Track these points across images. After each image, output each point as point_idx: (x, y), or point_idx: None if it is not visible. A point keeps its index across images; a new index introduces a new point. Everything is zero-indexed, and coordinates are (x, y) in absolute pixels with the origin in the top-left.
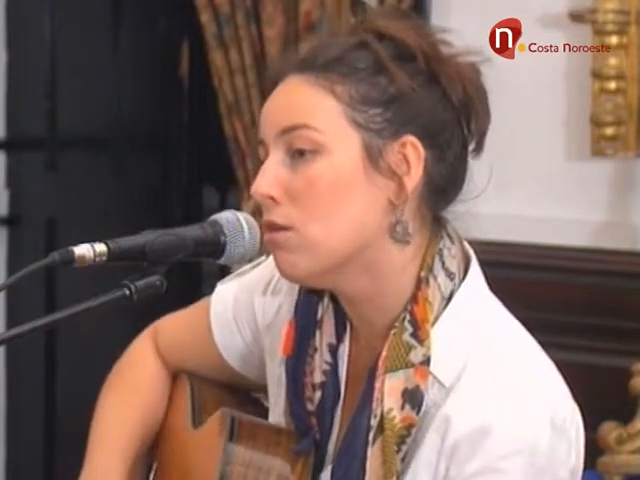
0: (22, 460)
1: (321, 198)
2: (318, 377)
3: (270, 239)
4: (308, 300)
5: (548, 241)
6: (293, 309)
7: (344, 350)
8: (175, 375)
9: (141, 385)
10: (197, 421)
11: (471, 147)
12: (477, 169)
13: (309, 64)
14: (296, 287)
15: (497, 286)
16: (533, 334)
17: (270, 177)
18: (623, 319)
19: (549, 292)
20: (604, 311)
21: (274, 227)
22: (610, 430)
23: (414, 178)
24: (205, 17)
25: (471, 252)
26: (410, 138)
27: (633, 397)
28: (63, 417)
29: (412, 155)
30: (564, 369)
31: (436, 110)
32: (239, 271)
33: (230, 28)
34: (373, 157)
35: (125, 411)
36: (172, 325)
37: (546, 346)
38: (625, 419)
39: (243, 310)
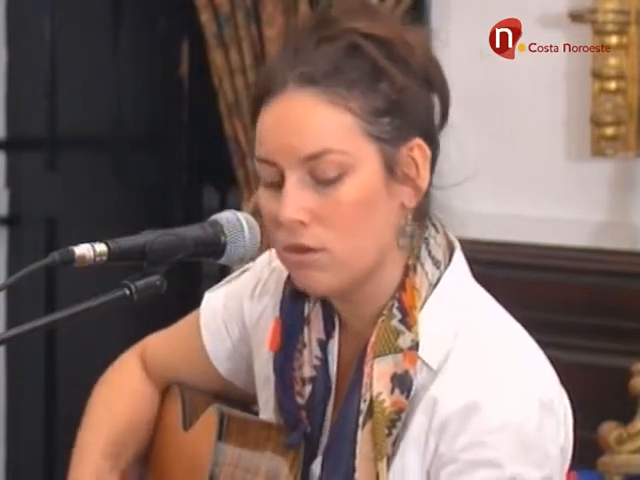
0: (22, 460)
1: (349, 217)
2: (308, 372)
3: (297, 260)
4: (294, 298)
5: (548, 241)
6: (279, 307)
7: (334, 345)
8: (166, 389)
9: (126, 393)
10: (188, 423)
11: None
12: (474, 167)
13: (309, 77)
14: (281, 287)
15: (497, 286)
16: (533, 334)
17: (296, 202)
18: (623, 319)
19: (549, 292)
20: (604, 311)
21: (302, 249)
22: (610, 430)
23: (424, 178)
24: (205, 17)
25: (455, 240)
26: (417, 141)
27: (633, 397)
28: (63, 417)
29: (419, 157)
30: (564, 369)
31: (428, 104)
32: (227, 278)
33: (230, 28)
34: (390, 167)
35: (108, 421)
36: (161, 340)
37: (546, 346)
38: (625, 419)
39: (232, 315)
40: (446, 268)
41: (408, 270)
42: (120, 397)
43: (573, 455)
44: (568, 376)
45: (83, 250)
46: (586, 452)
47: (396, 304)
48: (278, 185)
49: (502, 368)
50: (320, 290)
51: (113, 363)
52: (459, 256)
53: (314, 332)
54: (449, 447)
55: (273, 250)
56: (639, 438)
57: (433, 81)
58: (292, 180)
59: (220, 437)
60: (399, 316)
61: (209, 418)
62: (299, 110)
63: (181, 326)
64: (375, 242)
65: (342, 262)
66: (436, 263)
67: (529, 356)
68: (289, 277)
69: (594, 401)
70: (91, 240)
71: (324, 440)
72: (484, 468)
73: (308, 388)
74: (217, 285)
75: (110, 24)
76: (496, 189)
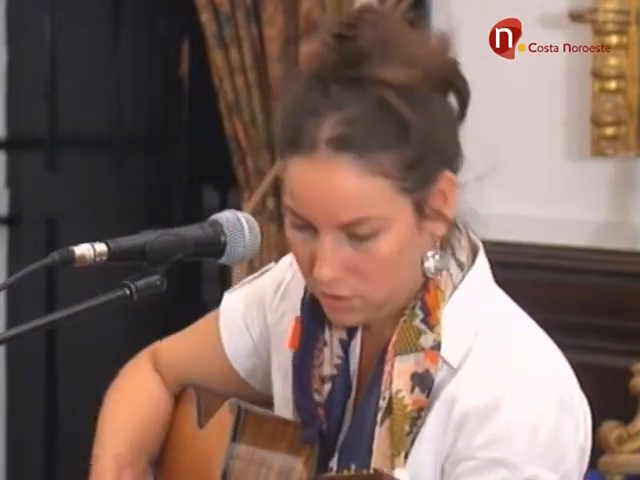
0: (22, 460)
1: (385, 268)
2: (328, 370)
3: (334, 306)
4: (316, 298)
5: (548, 241)
6: (299, 306)
7: (356, 345)
8: (182, 392)
9: (139, 399)
10: (203, 420)
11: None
12: (477, 168)
13: (346, 142)
14: (302, 287)
15: (497, 286)
16: None
17: (333, 261)
18: (623, 319)
19: (549, 292)
20: (604, 311)
21: (340, 298)
22: (611, 430)
23: (452, 206)
24: (205, 17)
25: (479, 242)
26: (446, 174)
27: (634, 397)
28: (63, 417)
29: (448, 187)
30: None
31: (451, 125)
32: (246, 280)
33: (230, 28)
34: (421, 210)
35: (122, 429)
36: (176, 342)
37: None
38: (626, 419)
39: (254, 314)
40: (469, 269)
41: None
42: (134, 403)
43: None
44: None
45: (83, 250)
46: None
47: (419, 304)
48: (310, 229)
49: (522, 368)
50: (355, 325)
51: (124, 368)
52: (482, 258)
53: (336, 332)
54: (467, 444)
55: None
56: (639, 438)
57: (454, 86)
58: (329, 239)
59: (236, 431)
60: (421, 316)
61: (225, 413)
62: (334, 179)
63: (197, 328)
64: (406, 277)
65: (378, 303)
66: (460, 265)
67: (549, 357)
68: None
69: (594, 401)
70: (91, 240)
71: (342, 438)
72: (500, 467)
73: (327, 386)
74: (236, 286)
75: (110, 24)
76: (496, 189)
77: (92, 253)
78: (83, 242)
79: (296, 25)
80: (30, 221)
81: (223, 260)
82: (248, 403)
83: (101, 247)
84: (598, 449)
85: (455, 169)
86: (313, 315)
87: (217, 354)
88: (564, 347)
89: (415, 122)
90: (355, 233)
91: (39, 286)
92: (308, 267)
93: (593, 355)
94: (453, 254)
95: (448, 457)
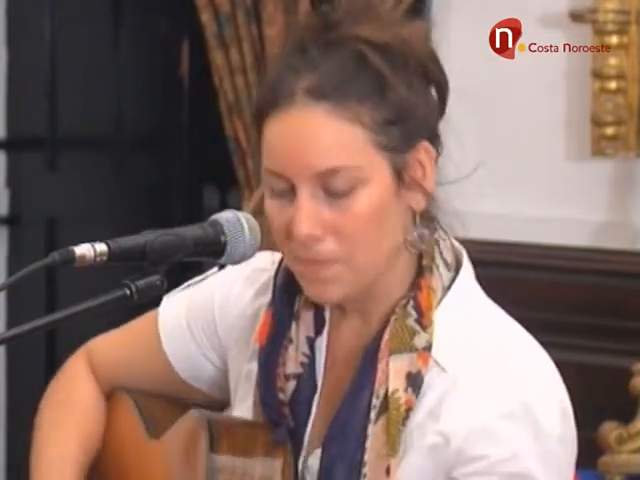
0: (22, 460)
1: (364, 228)
2: (292, 368)
3: (312, 273)
4: (285, 292)
5: (548, 241)
6: (269, 300)
7: (322, 341)
8: (111, 393)
9: (77, 405)
10: (153, 432)
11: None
12: (484, 171)
13: (319, 91)
14: (271, 282)
15: (496, 286)
16: (533, 334)
17: (311, 217)
18: (623, 319)
19: (549, 292)
20: (604, 311)
21: (319, 262)
22: (610, 430)
23: (431, 179)
24: (205, 17)
25: (460, 246)
26: (423, 144)
27: (633, 397)
28: None
29: (426, 159)
30: (564, 369)
31: (430, 103)
32: (187, 284)
33: (230, 28)
34: (399, 174)
35: (64, 435)
36: (110, 342)
37: (546, 346)
38: (625, 419)
39: (199, 315)
40: (457, 272)
41: (423, 270)
42: (71, 413)
43: None
44: (568, 376)
45: (83, 250)
46: (586, 452)
47: (411, 303)
48: (287, 195)
49: (514, 377)
50: (334, 301)
51: (59, 370)
52: (467, 262)
53: (303, 329)
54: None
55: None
56: (639, 438)
57: (431, 74)
58: (305, 195)
59: (212, 441)
60: (415, 315)
61: (187, 425)
62: (311, 126)
63: (134, 328)
64: (388, 247)
65: (358, 272)
66: (447, 266)
67: (541, 363)
68: (279, 269)
69: (594, 401)
70: (91, 240)
71: (309, 435)
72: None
73: (292, 384)
74: (176, 290)
75: (110, 24)
76: (496, 189)
77: (92, 253)
78: (83, 242)
79: (298, 24)
80: (30, 221)
81: (223, 260)
82: (209, 411)
83: (101, 247)
84: (598, 449)
85: (433, 144)
86: (282, 309)
87: (156, 355)
88: (564, 347)
89: (393, 82)
90: (331, 188)
91: (39, 286)
92: (285, 234)
93: (593, 355)
94: (441, 254)
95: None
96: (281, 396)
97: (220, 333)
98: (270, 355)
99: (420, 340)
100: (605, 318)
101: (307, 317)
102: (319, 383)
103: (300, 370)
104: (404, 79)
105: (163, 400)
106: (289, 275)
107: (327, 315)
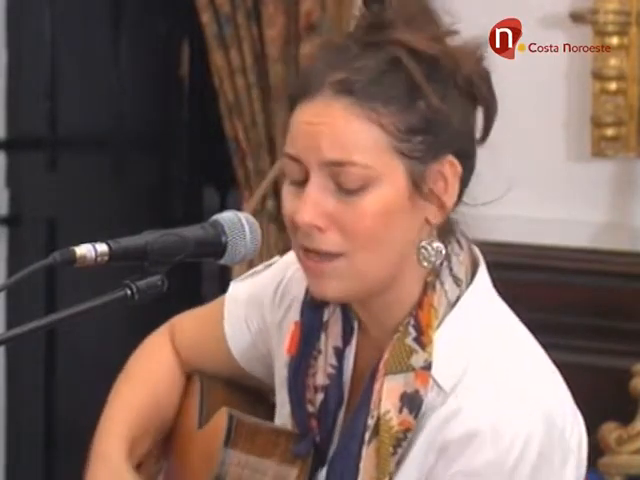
0: (22, 460)
1: (369, 227)
2: (321, 379)
3: (314, 267)
4: (314, 302)
5: (548, 242)
6: (300, 310)
7: (350, 353)
8: (189, 376)
9: (154, 375)
10: (203, 421)
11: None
12: (485, 172)
13: (347, 87)
14: (304, 288)
15: (496, 287)
16: (533, 335)
17: (316, 206)
18: (623, 319)
19: (549, 292)
20: (604, 311)
21: (319, 254)
22: (610, 431)
23: (452, 195)
24: (206, 17)
25: (480, 257)
26: (449, 158)
27: (633, 398)
28: (63, 417)
29: (449, 173)
30: (564, 369)
31: (468, 120)
32: (253, 270)
33: (231, 28)
34: (417, 183)
35: (133, 399)
36: (188, 322)
37: (546, 347)
38: (626, 420)
39: (254, 309)
40: (467, 287)
41: (427, 288)
42: (148, 380)
43: None
44: (568, 376)
45: (84, 250)
46: (586, 453)
47: (412, 322)
48: (301, 184)
49: (511, 397)
50: (334, 298)
51: (143, 342)
52: (482, 274)
53: (331, 339)
54: (444, 469)
55: None
56: (639, 439)
57: (479, 94)
58: (315, 184)
59: (227, 442)
60: (414, 334)
61: (219, 421)
62: (329, 117)
63: (207, 311)
64: (393, 255)
65: (358, 271)
66: (457, 281)
67: (542, 383)
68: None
69: (594, 401)
70: (91, 240)
71: (332, 451)
72: None
73: (320, 396)
74: (243, 275)
75: (110, 24)
76: (496, 189)
77: (93, 253)
78: (83, 242)
79: (296, 25)
80: (30, 221)
81: (224, 260)
82: (242, 413)
83: (102, 247)
84: (598, 450)
85: (464, 165)
86: (311, 320)
87: (221, 342)
88: (564, 348)
89: (426, 91)
90: (343, 183)
91: (39, 286)
92: (293, 222)
93: (592, 356)
94: (450, 270)
95: (427, 478)
96: (310, 408)
97: (270, 328)
98: (298, 367)
99: (418, 359)
100: (605, 319)
101: (335, 328)
102: (345, 395)
103: (327, 381)
104: (440, 91)
105: (228, 388)
106: None
107: (355, 325)
